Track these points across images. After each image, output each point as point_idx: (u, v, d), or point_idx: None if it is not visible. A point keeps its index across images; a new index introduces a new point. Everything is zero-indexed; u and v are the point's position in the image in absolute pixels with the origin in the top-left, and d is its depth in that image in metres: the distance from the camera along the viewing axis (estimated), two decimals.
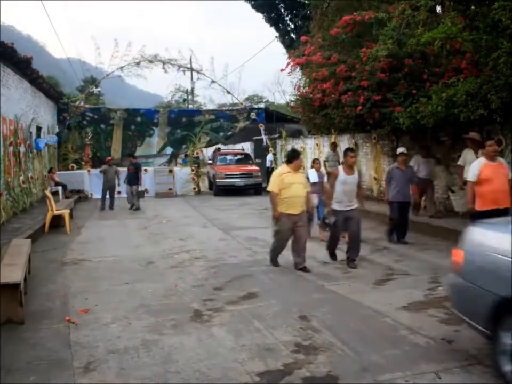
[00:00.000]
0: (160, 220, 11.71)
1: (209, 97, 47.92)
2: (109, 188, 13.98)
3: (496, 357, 3.41)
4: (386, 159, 12.20)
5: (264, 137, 20.00)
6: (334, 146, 13.49)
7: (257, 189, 17.36)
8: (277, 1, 23.07)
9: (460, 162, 8.28)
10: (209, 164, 19.37)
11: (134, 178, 14.06)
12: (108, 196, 14.00)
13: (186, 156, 19.20)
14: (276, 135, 20.41)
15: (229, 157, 19.20)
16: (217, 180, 17.04)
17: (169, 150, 19.90)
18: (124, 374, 3.62)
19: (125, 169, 14.65)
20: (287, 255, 7.58)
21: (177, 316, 4.86)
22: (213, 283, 6.05)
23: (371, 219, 10.82)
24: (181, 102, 49.36)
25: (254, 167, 18.14)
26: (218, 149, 21.33)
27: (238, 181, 16.98)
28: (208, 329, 4.50)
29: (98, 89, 20.84)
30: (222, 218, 11.81)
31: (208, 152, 26.23)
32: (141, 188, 14.87)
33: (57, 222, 10.28)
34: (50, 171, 15.50)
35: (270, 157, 20.08)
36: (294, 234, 6.68)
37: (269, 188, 6.67)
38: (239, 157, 19.35)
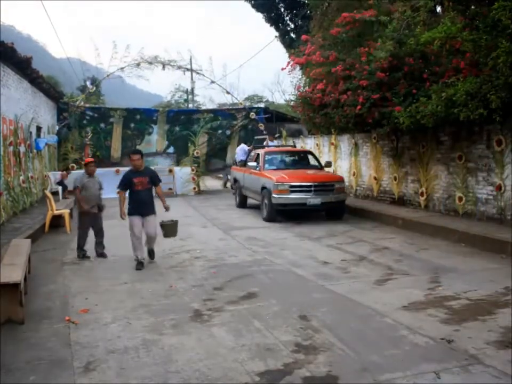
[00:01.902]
0: (160, 219, 11.68)
1: (209, 97, 47.93)
2: (91, 221, 7.73)
3: None
4: (386, 159, 12.21)
5: (268, 141, 19.23)
6: None
7: (336, 210, 11.01)
8: (276, 1, 23.07)
9: None
10: (249, 166, 12.55)
11: (149, 201, 7.13)
12: (92, 230, 7.80)
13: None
14: (276, 135, 20.39)
15: (281, 157, 12.75)
16: (274, 196, 10.58)
17: (171, 150, 19.77)
18: (124, 374, 3.62)
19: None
20: (286, 255, 7.59)
21: (177, 315, 4.87)
22: (213, 283, 6.05)
23: (371, 219, 10.84)
24: (180, 102, 49.42)
25: (333, 174, 12.87)
26: (258, 142, 16.25)
27: (311, 197, 10.53)
28: (208, 329, 4.50)
29: (89, 84, 20.80)
30: (222, 218, 11.81)
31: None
32: (168, 216, 7.79)
33: (57, 222, 10.28)
34: (66, 170, 15.73)
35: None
36: None
37: None
38: (296, 156, 13.17)
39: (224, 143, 19.79)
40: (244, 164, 13.67)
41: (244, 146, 16.73)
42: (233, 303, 5.24)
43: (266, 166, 11.95)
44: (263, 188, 11.27)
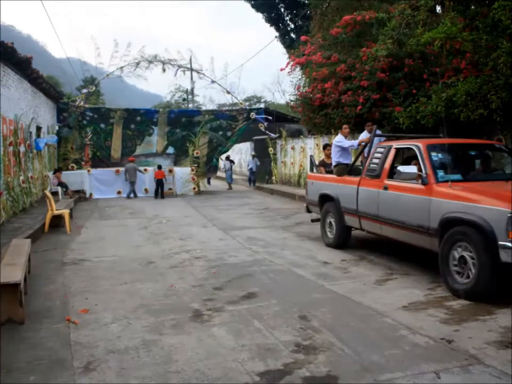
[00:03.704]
0: (160, 219, 11.71)
1: (209, 97, 48.02)
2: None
3: None
4: None
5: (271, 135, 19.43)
6: None
7: None
8: (276, 1, 23.08)
9: None
10: (401, 173, 6.17)
11: None
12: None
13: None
14: (276, 135, 20.39)
15: (459, 156, 7.16)
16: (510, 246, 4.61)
17: (170, 150, 19.81)
18: (124, 374, 3.62)
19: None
20: (286, 255, 7.59)
21: (177, 315, 4.86)
22: (213, 283, 6.04)
23: None
24: (180, 102, 49.47)
25: None
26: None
27: None
28: (208, 329, 4.50)
29: (86, 90, 20.84)
30: (222, 218, 11.81)
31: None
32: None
33: (57, 222, 10.28)
34: (58, 170, 15.68)
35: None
36: None
37: None
38: (479, 154, 7.36)
39: (226, 143, 19.78)
40: (350, 169, 8.32)
41: (341, 138, 8.86)
42: (233, 303, 5.24)
43: (440, 174, 6.13)
44: (451, 222, 5.47)
